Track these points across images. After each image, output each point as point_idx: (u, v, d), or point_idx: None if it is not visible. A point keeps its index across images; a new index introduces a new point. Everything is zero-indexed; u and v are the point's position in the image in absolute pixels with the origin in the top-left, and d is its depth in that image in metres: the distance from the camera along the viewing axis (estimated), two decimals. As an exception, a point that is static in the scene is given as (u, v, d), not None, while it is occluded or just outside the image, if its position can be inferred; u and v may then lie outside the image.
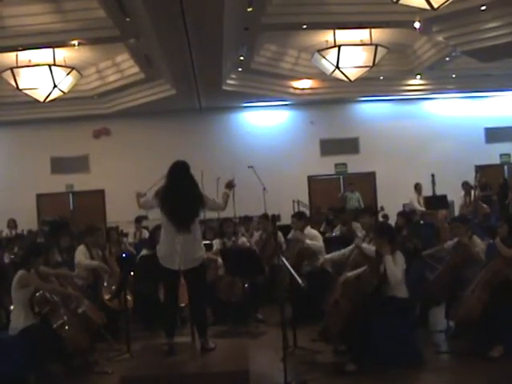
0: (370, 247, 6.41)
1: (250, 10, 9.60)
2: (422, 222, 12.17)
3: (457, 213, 13.48)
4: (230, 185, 5.86)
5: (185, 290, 5.82)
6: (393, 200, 14.64)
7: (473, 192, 12.98)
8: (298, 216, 8.40)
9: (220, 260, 8.16)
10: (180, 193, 5.47)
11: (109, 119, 16.34)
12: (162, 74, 13.49)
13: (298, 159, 16.66)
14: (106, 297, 7.14)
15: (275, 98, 15.95)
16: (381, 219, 12.71)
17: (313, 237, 7.89)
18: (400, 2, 8.72)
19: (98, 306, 6.75)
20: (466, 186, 13.33)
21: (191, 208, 5.49)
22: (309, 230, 8.00)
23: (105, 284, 7.32)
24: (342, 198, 15.12)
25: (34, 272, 5.89)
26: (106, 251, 8.00)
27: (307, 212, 12.84)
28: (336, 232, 10.12)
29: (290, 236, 10.78)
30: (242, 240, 8.84)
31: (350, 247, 7.02)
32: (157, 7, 8.70)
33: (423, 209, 13.29)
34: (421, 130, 16.69)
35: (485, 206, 12.83)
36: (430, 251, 7.29)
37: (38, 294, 5.71)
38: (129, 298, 7.00)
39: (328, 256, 7.43)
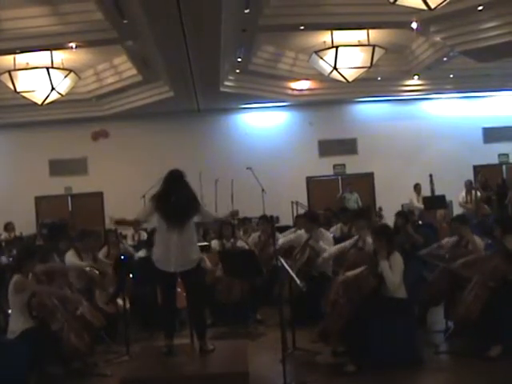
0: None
1: (247, 11, 9.59)
2: (420, 222, 12.18)
3: (455, 212, 13.48)
4: (234, 214, 6.36)
5: (183, 292, 5.83)
6: (391, 200, 14.65)
7: (474, 192, 13.01)
8: (311, 218, 8.11)
9: (209, 263, 8.20)
10: (174, 194, 5.53)
11: (107, 121, 16.32)
12: (160, 76, 13.49)
13: (296, 160, 16.65)
14: (102, 302, 7.14)
15: (273, 100, 15.96)
16: (380, 214, 12.73)
17: (326, 239, 7.84)
18: (397, 2, 8.72)
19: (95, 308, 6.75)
20: (468, 184, 13.36)
21: (185, 206, 5.53)
22: (321, 231, 7.95)
23: (97, 292, 7.29)
24: (340, 199, 15.11)
25: (31, 276, 5.89)
26: (96, 254, 7.98)
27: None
28: (335, 232, 10.07)
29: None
30: (241, 244, 8.84)
31: (351, 240, 7.05)
32: (154, 9, 8.69)
33: (422, 206, 13.35)
34: (419, 130, 16.69)
35: (486, 206, 12.86)
36: (427, 250, 7.29)
37: (35, 298, 5.70)
38: (120, 302, 6.99)
39: (327, 254, 7.40)
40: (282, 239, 8.35)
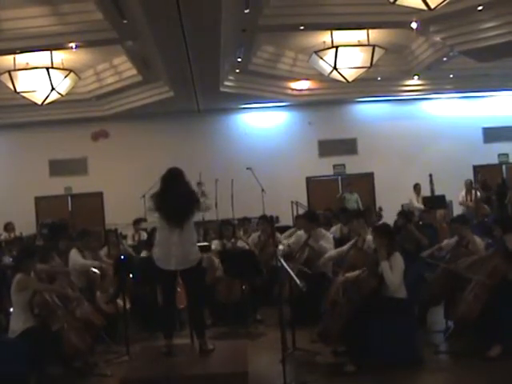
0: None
1: (247, 11, 9.59)
2: (420, 222, 12.17)
3: (455, 212, 13.49)
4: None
5: (183, 292, 5.84)
6: (391, 200, 14.64)
7: (473, 191, 13.01)
8: (309, 218, 8.15)
9: (216, 261, 8.19)
10: (174, 192, 5.55)
11: (107, 121, 16.31)
12: (160, 76, 13.48)
13: (296, 160, 16.65)
14: (103, 302, 7.14)
15: (273, 100, 15.95)
16: (380, 214, 12.72)
17: (326, 239, 7.86)
18: (397, 2, 8.72)
19: (95, 309, 6.76)
20: (468, 184, 13.36)
21: (184, 204, 5.55)
22: (320, 231, 7.98)
23: (98, 293, 7.29)
24: (340, 199, 15.11)
25: (32, 274, 5.90)
26: (98, 252, 7.98)
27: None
28: (335, 232, 10.06)
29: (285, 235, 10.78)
30: (242, 244, 8.84)
31: (351, 242, 7.05)
32: (154, 9, 8.69)
33: (421, 206, 13.35)
34: (419, 130, 16.69)
35: (486, 206, 12.87)
36: (429, 251, 7.30)
37: (37, 296, 5.71)
38: (120, 302, 6.98)
39: (327, 255, 7.44)
40: (282, 245, 8.25)
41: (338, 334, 5.70)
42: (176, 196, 5.53)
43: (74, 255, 7.60)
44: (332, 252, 7.45)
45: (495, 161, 16.98)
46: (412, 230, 9.01)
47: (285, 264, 5.84)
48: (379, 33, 11.89)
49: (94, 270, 7.47)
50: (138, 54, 11.96)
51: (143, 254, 8.31)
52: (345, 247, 7.23)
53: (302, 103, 16.25)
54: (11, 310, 5.97)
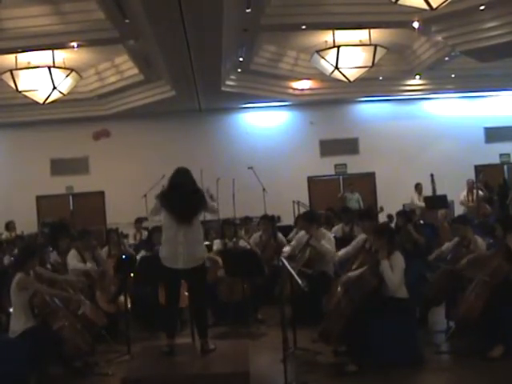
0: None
1: (248, 10, 9.59)
2: (422, 221, 12.17)
3: (457, 212, 13.48)
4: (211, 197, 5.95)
5: (185, 292, 5.84)
6: (393, 200, 14.61)
7: (475, 191, 13.00)
8: (309, 218, 8.06)
9: (220, 260, 8.17)
10: (181, 190, 5.56)
11: (108, 121, 16.33)
12: (162, 76, 13.50)
13: (297, 160, 16.66)
14: (103, 301, 7.14)
15: (275, 99, 15.96)
16: (385, 219, 12.71)
17: (327, 239, 7.80)
18: (399, 2, 8.72)
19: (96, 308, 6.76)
20: (470, 183, 13.35)
21: (192, 201, 5.57)
22: (321, 231, 7.91)
23: (97, 293, 7.28)
24: (341, 199, 15.10)
25: (32, 274, 5.89)
26: (96, 252, 7.94)
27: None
28: (336, 232, 10.06)
29: (290, 236, 10.80)
30: (243, 243, 8.82)
31: (358, 243, 7.01)
32: (155, 8, 8.70)
33: (423, 204, 13.34)
34: (420, 130, 16.69)
35: (487, 206, 12.86)
36: (434, 255, 7.27)
37: (37, 296, 5.71)
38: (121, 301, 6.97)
39: (337, 257, 7.38)
40: (286, 249, 8.18)
41: (339, 333, 5.70)
42: (184, 193, 5.55)
43: (71, 259, 7.55)
44: (341, 253, 7.37)
45: (497, 161, 16.97)
46: (410, 231, 8.99)
47: (286, 263, 5.83)
48: (381, 32, 11.89)
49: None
50: (139, 53, 11.97)
51: (142, 253, 8.29)
52: (351, 248, 7.13)
53: (303, 103, 16.25)
54: (11, 310, 5.96)
